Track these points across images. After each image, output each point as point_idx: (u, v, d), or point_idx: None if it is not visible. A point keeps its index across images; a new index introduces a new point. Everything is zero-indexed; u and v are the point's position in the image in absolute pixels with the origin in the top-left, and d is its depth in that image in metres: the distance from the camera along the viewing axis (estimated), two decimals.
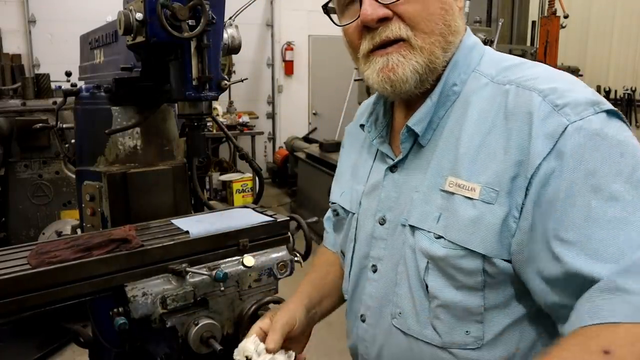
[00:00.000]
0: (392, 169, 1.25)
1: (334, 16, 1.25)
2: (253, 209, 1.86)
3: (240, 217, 1.74)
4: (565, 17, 5.26)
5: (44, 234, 4.05)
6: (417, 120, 1.16)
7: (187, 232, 1.59)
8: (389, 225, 1.23)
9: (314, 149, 7.46)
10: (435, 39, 1.10)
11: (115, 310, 1.45)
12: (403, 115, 1.25)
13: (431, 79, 1.14)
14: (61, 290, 1.36)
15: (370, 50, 1.14)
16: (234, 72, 8.51)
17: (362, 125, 1.37)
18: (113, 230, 1.63)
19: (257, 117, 9.95)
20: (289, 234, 1.73)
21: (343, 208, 1.42)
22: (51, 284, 1.34)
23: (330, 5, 1.24)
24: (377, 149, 1.31)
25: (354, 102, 7.58)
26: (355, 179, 1.40)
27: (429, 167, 1.15)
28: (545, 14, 5.47)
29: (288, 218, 1.75)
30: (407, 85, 1.11)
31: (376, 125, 1.32)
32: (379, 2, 1.09)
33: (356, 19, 1.13)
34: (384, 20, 1.09)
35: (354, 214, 1.36)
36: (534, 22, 8.35)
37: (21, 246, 1.53)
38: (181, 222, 1.70)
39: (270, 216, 1.75)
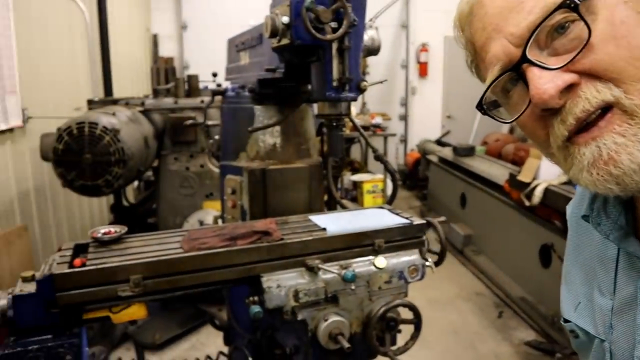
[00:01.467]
0: None
1: (498, 111, 0.91)
2: (389, 210, 1.86)
3: (376, 217, 1.75)
4: None
5: (187, 221, 4.38)
6: None
7: (325, 229, 1.63)
8: None
9: (446, 152, 7.28)
10: None
11: (251, 298, 1.53)
12: None
13: None
14: (208, 274, 1.47)
15: (566, 138, 0.77)
16: (368, 73, 8.57)
17: (585, 217, 0.93)
18: (255, 222, 1.72)
19: (390, 119, 9.93)
20: (425, 238, 1.70)
21: (583, 330, 0.98)
22: (200, 268, 1.45)
23: (489, 96, 0.87)
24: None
25: None
26: (593, 285, 0.95)
27: None
28: None
29: (425, 222, 1.72)
30: None
31: (607, 212, 0.89)
32: (550, 68, 0.74)
33: (528, 104, 0.78)
34: (569, 88, 0.74)
35: (602, 340, 0.93)
36: None
37: (174, 231, 1.67)
38: (319, 219, 1.74)
39: (407, 218, 1.73)
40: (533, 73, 0.75)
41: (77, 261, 1.38)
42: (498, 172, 5.59)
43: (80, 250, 1.53)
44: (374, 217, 1.74)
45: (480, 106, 0.87)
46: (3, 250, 3.70)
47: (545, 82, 0.73)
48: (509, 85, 0.83)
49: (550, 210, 4.20)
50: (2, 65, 3.88)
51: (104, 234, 1.56)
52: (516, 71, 0.78)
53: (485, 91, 0.85)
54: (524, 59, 0.76)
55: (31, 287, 1.34)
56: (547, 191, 4.19)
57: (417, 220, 1.71)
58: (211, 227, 1.75)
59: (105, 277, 1.36)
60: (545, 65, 0.74)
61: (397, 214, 1.79)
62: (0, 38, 3.87)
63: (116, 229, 1.58)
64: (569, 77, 0.73)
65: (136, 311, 1.42)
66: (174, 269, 1.43)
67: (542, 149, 0.85)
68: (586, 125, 0.75)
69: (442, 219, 1.82)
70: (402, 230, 1.67)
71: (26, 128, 4.34)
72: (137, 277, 1.38)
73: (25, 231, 4.09)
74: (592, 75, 0.73)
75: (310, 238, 1.57)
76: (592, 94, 0.73)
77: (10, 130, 4.10)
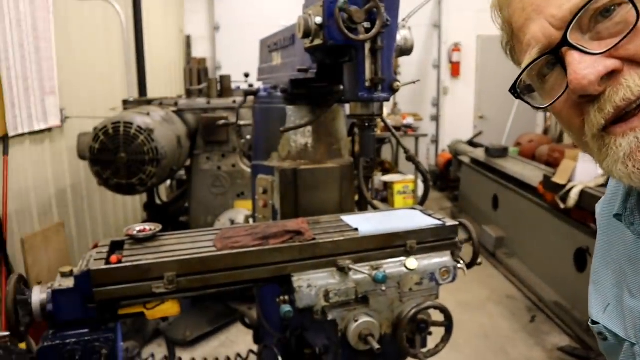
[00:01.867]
0: None
1: (531, 96, 0.88)
2: (421, 211, 1.85)
3: (408, 218, 1.74)
4: None
5: (219, 220, 4.42)
6: None
7: (356, 229, 1.63)
8: None
9: (479, 153, 7.18)
10: None
11: (281, 298, 1.54)
12: None
13: None
14: (241, 273, 1.48)
15: (602, 127, 0.74)
16: (400, 73, 8.53)
17: (617, 216, 0.89)
18: (287, 222, 1.72)
19: (422, 119, 9.85)
20: (457, 239, 1.68)
21: (612, 332, 0.92)
22: (233, 266, 1.47)
23: (524, 79, 0.84)
24: None
25: (525, 107, 7.12)
26: (623, 287, 0.90)
27: None
28: None
29: (457, 223, 1.70)
30: None
31: None
32: (592, 53, 0.70)
33: (565, 89, 0.75)
34: (610, 75, 0.71)
35: (633, 344, 0.87)
36: None
37: (207, 230, 1.70)
38: (350, 219, 1.74)
39: (439, 220, 1.72)
40: (573, 57, 0.72)
41: (114, 258, 1.42)
42: (532, 173, 5.49)
43: (116, 247, 1.56)
44: (406, 218, 1.73)
45: (514, 89, 0.84)
46: (41, 246, 3.81)
47: (585, 67, 0.70)
48: (545, 70, 0.80)
49: (586, 213, 4.11)
50: (42, 67, 4.00)
51: (139, 231, 1.59)
52: (555, 54, 0.75)
53: (521, 74, 0.81)
54: (564, 42, 0.72)
55: (69, 282, 1.37)
56: (583, 193, 4.10)
57: (450, 222, 1.70)
58: (243, 226, 1.77)
59: (141, 273, 1.39)
60: (587, 50, 0.71)
61: (429, 215, 1.77)
62: (41, 41, 3.98)
63: (151, 227, 1.61)
64: (611, 63, 0.70)
65: (170, 308, 1.45)
66: (206, 267, 1.45)
67: (576, 137, 0.82)
68: (625, 114, 0.71)
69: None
70: (434, 231, 1.66)
71: (64, 128, 4.46)
72: (171, 274, 1.40)
73: (62, 228, 4.20)
74: (637, 62, 0.70)
75: (342, 238, 1.57)
76: (635, 82, 0.69)
77: (49, 129, 4.22)
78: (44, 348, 1.33)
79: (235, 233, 1.60)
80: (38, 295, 1.36)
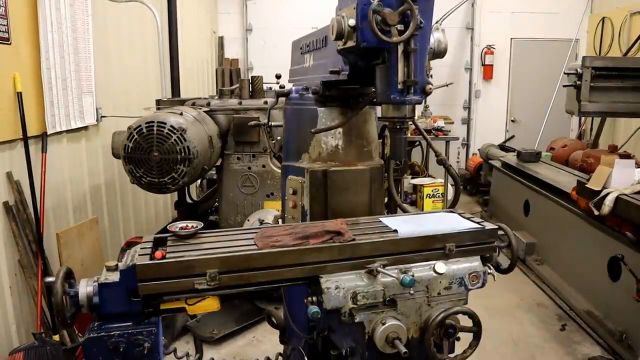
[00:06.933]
0: None
1: None
2: (459, 214, 1.83)
3: (447, 221, 1.73)
4: None
5: (248, 220, 4.45)
6: None
7: (395, 230, 1.63)
8: None
9: (510, 157, 7.07)
10: None
11: (310, 298, 1.54)
12: None
13: None
14: (280, 272, 1.51)
15: None
16: (431, 76, 8.43)
17: None
18: (327, 222, 1.73)
19: (452, 122, 9.73)
20: (496, 243, 1.67)
21: None
22: (273, 265, 1.49)
23: None
24: None
25: (559, 111, 7.00)
26: None
27: None
28: None
29: (497, 227, 1.68)
30: None
31: None
32: None
33: None
34: None
35: None
36: None
37: (245, 229, 1.73)
38: (389, 221, 1.75)
39: (478, 223, 1.70)
40: None
41: (158, 253, 1.45)
42: (565, 179, 5.39)
43: (158, 243, 1.60)
44: (445, 221, 1.73)
45: None
46: (76, 241, 3.91)
47: None
48: None
49: (621, 220, 4.00)
50: (80, 67, 4.10)
51: (182, 228, 1.63)
52: None
53: None
54: None
55: (115, 277, 1.42)
56: (618, 200, 3.99)
57: (489, 225, 1.68)
58: (283, 225, 1.79)
59: (184, 269, 1.43)
60: None
61: (467, 219, 1.76)
62: (80, 42, 4.08)
63: (193, 224, 1.64)
64: None
65: (210, 304, 1.48)
66: (248, 265, 1.47)
67: None
68: None
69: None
70: (473, 235, 1.65)
71: (99, 126, 4.57)
72: (213, 271, 1.43)
73: (96, 224, 4.30)
74: None
75: (380, 239, 1.58)
76: None
77: (85, 128, 4.32)
78: (90, 339, 1.37)
79: (275, 232, 1.62)
80: (85, 288, 1.40)
